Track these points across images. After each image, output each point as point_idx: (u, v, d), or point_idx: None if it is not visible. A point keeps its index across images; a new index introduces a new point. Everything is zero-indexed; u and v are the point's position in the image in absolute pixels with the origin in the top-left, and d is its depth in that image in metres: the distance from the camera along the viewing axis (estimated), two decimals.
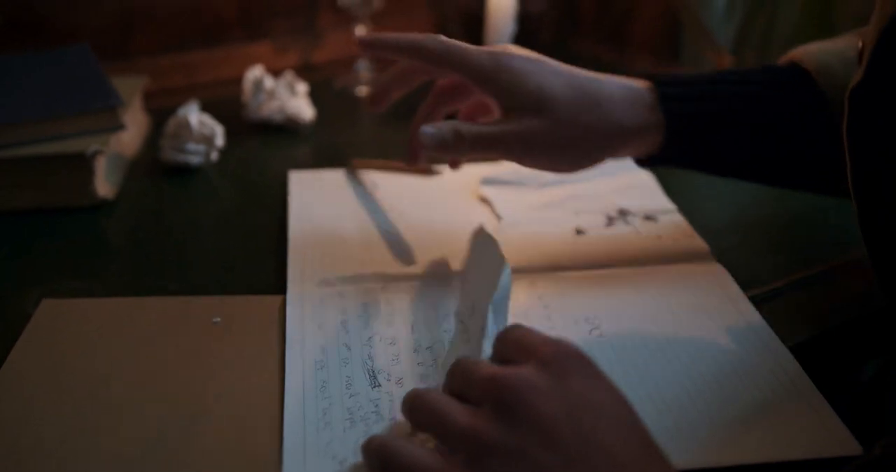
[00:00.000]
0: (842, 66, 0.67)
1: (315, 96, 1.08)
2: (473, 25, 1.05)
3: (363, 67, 1.17)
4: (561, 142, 0.65)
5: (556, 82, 0.65)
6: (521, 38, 1.17)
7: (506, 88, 0.65)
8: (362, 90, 1.15)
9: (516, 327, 0.52)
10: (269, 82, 1.02)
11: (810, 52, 0.70)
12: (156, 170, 0.93)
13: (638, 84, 0.68)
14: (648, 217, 0.80)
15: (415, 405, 0.50)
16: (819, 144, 0.68)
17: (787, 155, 0.69)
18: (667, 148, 0.68)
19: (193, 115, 0.91)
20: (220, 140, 0.93)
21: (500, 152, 0.66)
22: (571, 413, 0.45)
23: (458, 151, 0.65)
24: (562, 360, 0.47)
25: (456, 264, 0.73)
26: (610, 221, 0.80)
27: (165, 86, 1.14)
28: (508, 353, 0.50)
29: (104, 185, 0.85)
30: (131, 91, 0.99)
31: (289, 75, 1.04)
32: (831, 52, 0.69)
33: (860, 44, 0.57)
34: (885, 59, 0.52)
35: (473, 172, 0.90)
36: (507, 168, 0.89)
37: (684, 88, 0.68)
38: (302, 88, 1.04)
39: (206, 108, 0.97)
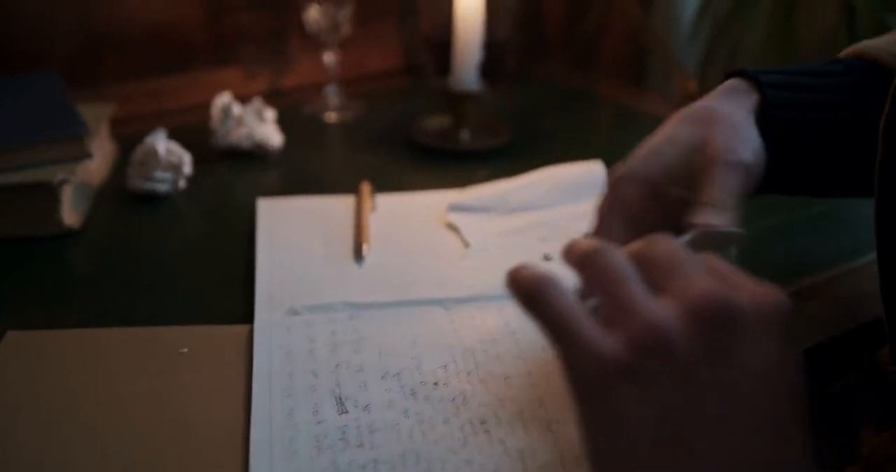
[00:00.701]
0: None
1: (284, 122, 1.08)
2: (440, 52, 1.06)
3: (332, 93, 1.18)
4: None
5: None
6: (488, 64, 1.18)
7: None
8: (331, 116, 1.16)
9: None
10: (237, 109, 1.02)
11: (879, 47, 0.67)
12: (123, 198, 0.93)
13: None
14: None
15: (598, 262, 0.42)
16: None
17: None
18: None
19: (161, 142, 0.91)
20: (187, 167, 0.93)
21: None
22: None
23: None
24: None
25: (422, 292, 0.73)
26: None
27: (133, 112, 1.14)
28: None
29: (71, 214, 0.85)
30: (98, 119, 0.99)
31: (257, 102, 1.04)
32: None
33: None
34: None
35: (439, 198, 0.90)
36: (472, 194, 0.90)
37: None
38: (270, 114, 1.04)
39: (174, 134, 0.97)
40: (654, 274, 0.42)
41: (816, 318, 0.73)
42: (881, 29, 1.11)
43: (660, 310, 0.40)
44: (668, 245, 0.43)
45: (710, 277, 0.41)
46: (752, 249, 0.83)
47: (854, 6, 1.14)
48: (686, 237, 0.54)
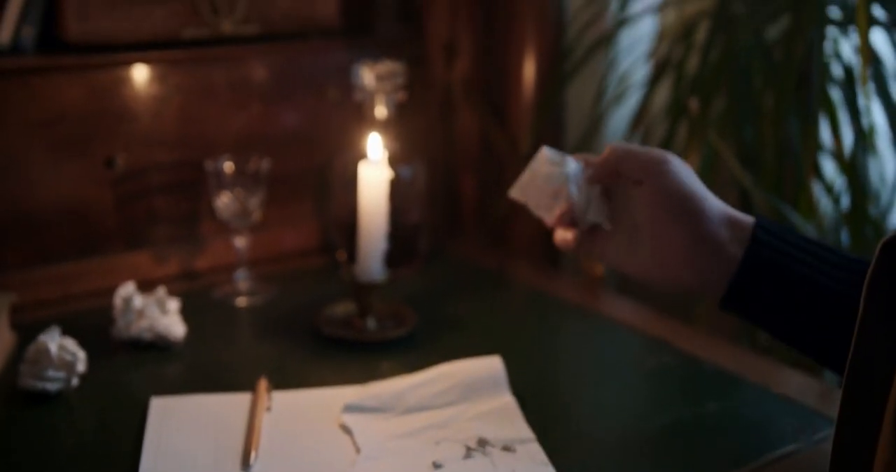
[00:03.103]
0: None
1: (193, 307, 1.08)
2: (351, 237, 1.07)
3: (241, 278, 1.18)
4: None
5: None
6: (400, 247, 1.20)
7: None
8: (241, 301, 1.16)
9: None
10: (138, 301, 1.01)
11: None
12: (13, 396, 0.91)
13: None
14: (506, 448, 0.80)
15: None
16: None
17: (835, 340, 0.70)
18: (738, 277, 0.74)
19: (53, 342, 0.90)
20: (81, 365, 0.91)
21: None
22: None
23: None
24: None
25: None
26: (468, 452, 0.80)
27: (38, 298, 1.13)
28: None
29: None
30: None
31: (160, 291, 1.04)
32: None
33: None
34: None
35: (337, 396, 0.89)
36: (369, 392, 0.89)
37: (780, 241, 0.74)
38: (173, 304, 1.04)
39: (76, 321, 0.96)
40: None
41: None
42: (776, 216, 1.15)
43: None
44: None
45: None
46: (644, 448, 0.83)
47: (749, 192, 1.18)
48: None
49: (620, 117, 1.49)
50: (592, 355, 1.05)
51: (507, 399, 0.89)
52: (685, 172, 0.77)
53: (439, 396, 0.89)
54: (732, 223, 0.75)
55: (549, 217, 0.83)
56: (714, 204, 0.76)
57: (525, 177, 0.83)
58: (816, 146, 1.24)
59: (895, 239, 0.58)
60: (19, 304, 1.05)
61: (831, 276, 0.72)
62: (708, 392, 0.94)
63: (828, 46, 1.27)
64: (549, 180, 0.81)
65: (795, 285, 0.73)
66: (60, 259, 1.16)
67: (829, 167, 1.34)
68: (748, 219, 0.76)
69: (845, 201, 1.26)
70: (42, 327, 0.94)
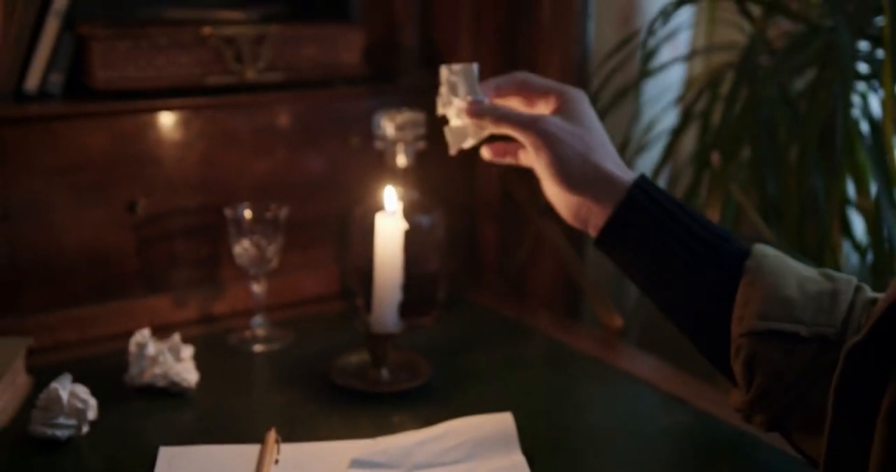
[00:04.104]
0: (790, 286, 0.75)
1: (209, 352, 1.08)
2: (369, 283, 1.07)
3: (258, 324, 1.18)
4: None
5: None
6: (416, 296, 1.20)
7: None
8: (257, 347, 1.16)
9: None
10: (152, 348, 1.02)
11: (769, 255, 0.78)
12: (24, 442, 0.91)
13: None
14: None
15: None
16: (718, 312, 0.77)
17: (686, 300, 0.81)
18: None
19: (65, 389, 0.90)
20: (92, 413, 0.92)
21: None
22: None
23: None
24: None
25: None
26: None
27: (55, 341, 1.14)
28: None
29: None
30: (12, 354, 0.99)
31: (175, 338, 1.04)
32: (789, 269, 0.77)
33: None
34: (887, 327, 0.56)
35: (346, 449, 0.89)
36: (378, 447, 0.89)
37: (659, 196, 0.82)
38: (188, 351, 1.04)
39: (91, 364, 0.96)
40: None
41: None
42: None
43: None
44: None
45: None
46: None
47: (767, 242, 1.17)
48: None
49: (645, 165, 1.48)
50: (607, 411, 1.04)
51: (517, 458, 0.88)
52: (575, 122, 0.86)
53: (448, 453, 0.88)
54: (610, 180, 0.83)
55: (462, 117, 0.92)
56: (608, 147, 0.86)
57: (442, 91, 0.94)
58: (842, 200, 1.22)
59: (857, 346, 0.58)
60: (36, 347, 1.06)
61: (690, 249, 0.79)
62: (723, 454, 0.92)
63: (854, 99, 1.26)
64: (453, 87, 0.92)
65: (655, 251, 0.81)
66: (79, 303, 1.17)
67: (856, 221, 1.32)
68: (628, 177, 0.83)
69: (871, 256, 1.24)
70: (58, 370, 0.95)
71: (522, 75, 0.91)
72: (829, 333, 0.71)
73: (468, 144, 0.94)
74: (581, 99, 0.88)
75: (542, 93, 0.90)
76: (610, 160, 0.85)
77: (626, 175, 0.84)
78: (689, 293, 0.80)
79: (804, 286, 0.74)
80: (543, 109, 0.90)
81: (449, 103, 0.93)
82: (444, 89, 0.94)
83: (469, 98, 0.90)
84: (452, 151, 0.96)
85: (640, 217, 0.81)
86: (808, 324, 0.72)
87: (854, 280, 0.75)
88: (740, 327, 0.74)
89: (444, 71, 0.93)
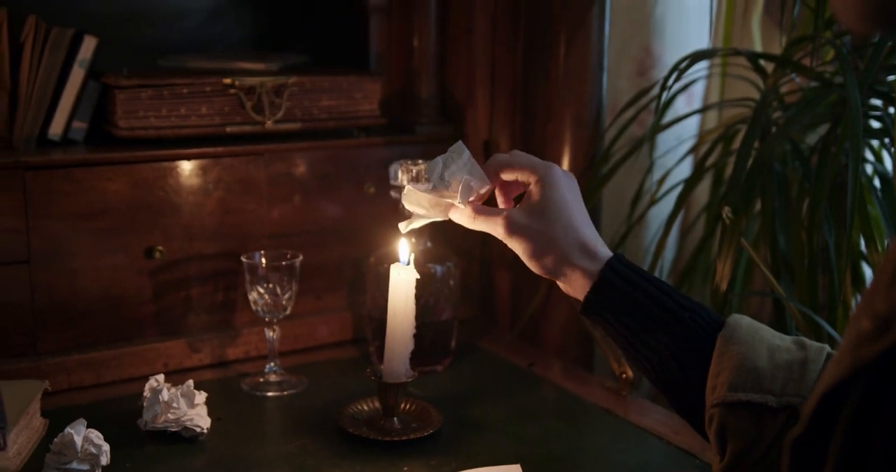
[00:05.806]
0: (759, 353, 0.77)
1: (222, 397, 1.10)
2: (382, 330, 1.08)
3: (271, 370, 1.19)
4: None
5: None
6: (429, 344, 1.20)
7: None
8: (270, 393, 1.16)
9: None
10: (166, 394, 1.03)
11: (742, 325, 0.80)
12: None
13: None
14: None
15: None
16: (691, 384, 0.79)
17: (664, 371, 0.81)
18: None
19: (79, 435, 0.91)
20: (104, 458, 0.93)
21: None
22: None
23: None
24: None
25: None
26: None
27: (71, 383, 1.15)
28: None
29: None
30: (29, 396, 1.00)
31: (189, 384, 1.05)
32: (761, 339, 0.78)
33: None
34: (823, 420, 0.55)
35: None
36: None
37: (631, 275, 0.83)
38: (201, 397, 1.05)
39: (105, 408, 0.96)
40: None
41: None
42: (811, 327, 1.13)
43: None
44: None
45: None
46: None
47: (783, 304, 1.17)
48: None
49: (658, 216, 1.49)
50: (616, 464, 1.03)
51: None
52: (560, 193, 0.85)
53: None
54: (575, 269, 0.84)
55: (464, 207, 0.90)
56: (574, 235, 0.84)
57: (412, 212, 0.93)
58: (854, 254, 1.23)
59: (801, 438, 0.58)
60: (52, 389, 1.07)
61: (663, 325, 0.81)
62: None
63: (866, 154, 1.27)
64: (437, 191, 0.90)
65: (629, 329, 0.82)
66: (95, 346, 1.18)
67: (868, 275, 1.32)
68: (603, 254, 0.84)
69: None
70: (73, 413, 0.96)
71: (502, 159, 0.89)
72: (797, 402, 0.72)
73: (421, 224, 0.94)
74: (554, 182, 0.86)
75: (521, 172, 0.88)
76: (576, 247, 0.84)
77: (595, 261, 0.84)
78: (664, 365, 0.81)
79: (775, 356, 0.76)
80: (521, 187, 0.90)
81: (421, 210, 0.92)
82: (410, 208, 0.92)
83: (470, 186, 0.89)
84: (405, 229, 0.95)
85: (611, 300, 0.82)
86: (776, 394, 0.73)
87: (826, 348, 0.77)
88: (712, 398, 0.76)
89: (411, 190, 0.91)
